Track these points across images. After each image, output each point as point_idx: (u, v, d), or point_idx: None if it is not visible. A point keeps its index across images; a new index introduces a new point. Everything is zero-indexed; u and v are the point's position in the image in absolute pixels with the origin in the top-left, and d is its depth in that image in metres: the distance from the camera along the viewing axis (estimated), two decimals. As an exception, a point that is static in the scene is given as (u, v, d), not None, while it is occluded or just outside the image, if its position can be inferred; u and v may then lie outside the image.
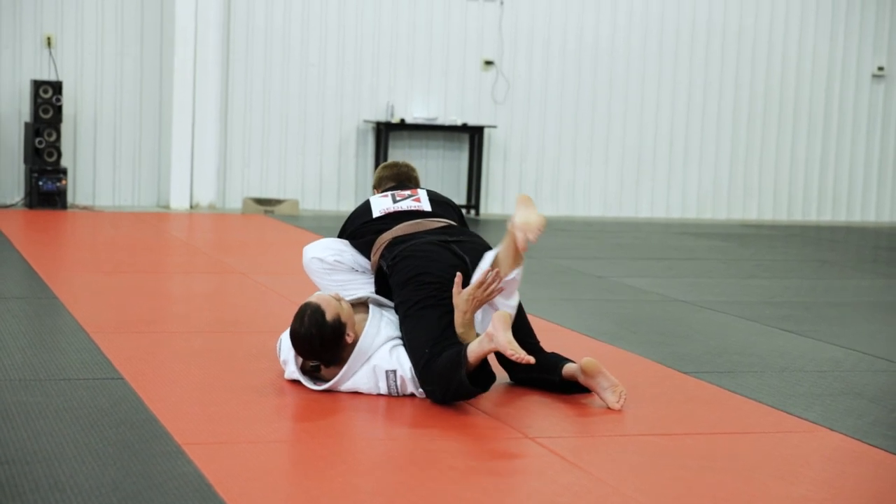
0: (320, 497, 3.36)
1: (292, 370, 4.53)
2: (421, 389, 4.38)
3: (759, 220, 13.30)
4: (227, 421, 4.06)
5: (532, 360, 4.14)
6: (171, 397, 4.31)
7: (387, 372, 4.41)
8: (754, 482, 3.66)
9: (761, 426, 4.35)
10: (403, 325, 4.45)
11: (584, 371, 4.46)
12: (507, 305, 4.50)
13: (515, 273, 4.48)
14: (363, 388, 4.44)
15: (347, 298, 4.57)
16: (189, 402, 4.26)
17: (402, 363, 4.40)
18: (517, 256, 4.46)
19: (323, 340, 4.32)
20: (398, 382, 4.40)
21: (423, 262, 4.54)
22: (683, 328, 6.27)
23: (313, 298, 4.41)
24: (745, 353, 5.65)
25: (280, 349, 4.64)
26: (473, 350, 4.20)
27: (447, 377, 4.23)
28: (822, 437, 4.24)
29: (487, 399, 4.53)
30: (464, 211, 12.24)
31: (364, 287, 4.79)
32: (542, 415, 4.35)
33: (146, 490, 3.30)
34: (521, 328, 4.66)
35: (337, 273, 4.84)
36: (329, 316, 4.32)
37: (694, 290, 7.65)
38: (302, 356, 4.44)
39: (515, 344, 4.15)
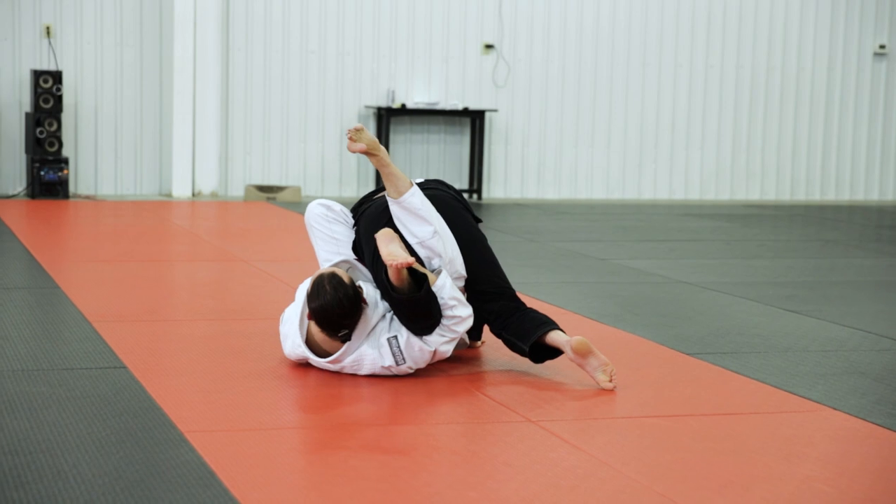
0: (322, 483, 3.36)
1: (297, 344, 4.51)
2: (421, 344, 4.42)
3: (761, 200, 13.28)
4: (229, 409, 4.06)
5: (410, 259, 4.27)
6: (173, 386, 4.31)
7: (388, 340, 4.43)
8: (758, 463, 3.66)
9: (765, 406, 4.35)
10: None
11: (574, 351, 4.47)
12: (422, 232, 4.57)
13: (406, 197, 4.56)
14: (367, 360, 4.44)
15: (335, 260, 4.69)
16: (191, 391, 4.26)
17: (399, 329, 4.44)
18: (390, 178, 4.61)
19: (352, 301, 4.31)
20: (401, 346, 4.42)
21: (374, 220, 4.66)
22: (687, 309, 6.26)
23: (322, 271, 4.41)
24: (749, 333, 5.65)
25: (283, 323, 4.62)
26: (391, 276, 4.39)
27: (394, 304, 4.41)
28: (827, 416, 4.23)
29: (489, 383, 4.53)
30: (466, 195, 12.25)
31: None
32: (544, 398, 4.35)
33: (149, 478, 3.30)
34: (485, 266, 4.70)
35: (337, 224, 4.85)
36: (346, 279, 4.34)
37: (697, 271, 7.64)
38: (331, 328, 4.36)
39: (395, 253, 4.30)
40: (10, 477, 3.27)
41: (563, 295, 6.54)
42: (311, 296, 4.34)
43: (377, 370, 4.48)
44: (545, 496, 3.29)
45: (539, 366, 4.79)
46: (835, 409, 4.31)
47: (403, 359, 4.45)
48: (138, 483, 3.26)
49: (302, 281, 4.71)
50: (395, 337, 4.44)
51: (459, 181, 12.38)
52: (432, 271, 4.56)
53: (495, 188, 12.55)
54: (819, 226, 11.15)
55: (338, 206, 4.92)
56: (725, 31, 13.03)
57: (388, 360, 4.44)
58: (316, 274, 4.41)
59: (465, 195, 12.30)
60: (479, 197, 12.26)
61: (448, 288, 4.46)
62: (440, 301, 4.44)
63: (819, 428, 4.09)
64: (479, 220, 4.89)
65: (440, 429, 3.94)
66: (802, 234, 10.49)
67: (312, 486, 3.32)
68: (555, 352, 4.61)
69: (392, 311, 4.51)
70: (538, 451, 3.69)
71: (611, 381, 4.43)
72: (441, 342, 4.49)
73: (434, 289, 4.43)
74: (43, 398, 4.09)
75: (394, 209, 4.59)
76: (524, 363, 4.83)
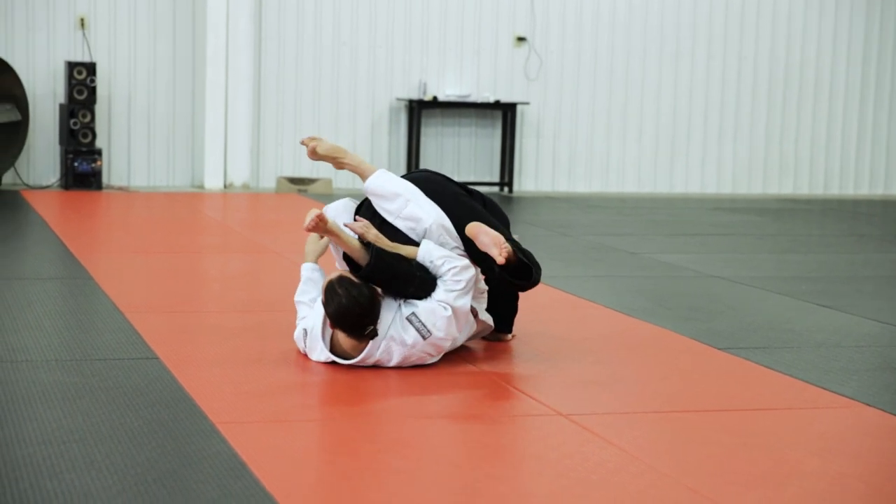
0: (352, 475, 3.36)
1: (326, 356, 4.54)
2: (435, 307, 4.47)
3: (794, 194, 13.19)
4: (260, 400, 4.08)
5: (317, 211, 4.42)
6: (205, 376, 4.33)
7: (408, 318, 4.46)
8: (790, 459, 3.63)
9: (797, 402, 4.32)
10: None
11: (469, 235, 4.53)
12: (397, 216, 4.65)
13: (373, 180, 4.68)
14: (395, 348, 4.46)
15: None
16: (223, 382, 4.28)
17: (415, 303, 4.50)
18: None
19: (368, 297, 4.36)
20: (421, 319, 4.46)
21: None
22: (718, 304, 6.23)
23: (330, 276, 4.44)
24: (781, 328, 5.62)
25: (300, 342, 4.64)
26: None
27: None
28: (860, 412, 4.20)
29: (519, 377, 4.53)
30: (496, 188, 12.25)
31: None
32: (574, 392, 4.34)
33: (181, 468, 3.32)
34: (474, 216, 4.71)
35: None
36: (355, 278, 4.40)
37: (729, 265, 7.60)
38: (356, 329, 4.40)
39: (308, 215, 4.41)
40: (43, 466, 3.29)
41: (594, 289, 6.53)
42: (327, 303, 4.38)
43: (408, 355, 4.49)
44: (575, 490, 3.29)
45: (569, 359, 4.78)
46: (868, 405, 4.28)
47: (428, 330, 4.47)
48: (170, 473, 3.28)
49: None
50: (413, 313, 4.48)
51: (490, 174, 12.36)
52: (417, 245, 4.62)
53: (526, 181, 12.52)
54: (853, 220, 11.06)
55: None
56: (759, 22, 12.94)
57: (411, 339, 4.45)
58: (328, 279, 4.44)
59: (496, 188, 12.29)
60: (510, 190, 12.24)
61: (434, 250, 4.54)
62: (430, 263, 4.52)
63: (852, 424, 4.07)
64: (470, 192, 4.89)
65: (471, 422, 3.94)
66: (836, 229, 10.42)
67: (342, 478, 3.33)
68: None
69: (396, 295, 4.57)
70: (568, 446, 3.68)
71: (500, 254, 4.39)
72: (453, 297, 4.51)
73: (419, 259, 4.53)
74: (76, 388, 4.12)
75: (369, 196, 4.71)
76: (555, 357, 4.83)
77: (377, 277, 4.46)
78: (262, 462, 3.39)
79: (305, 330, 4.62)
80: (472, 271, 4.58)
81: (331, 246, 4.76)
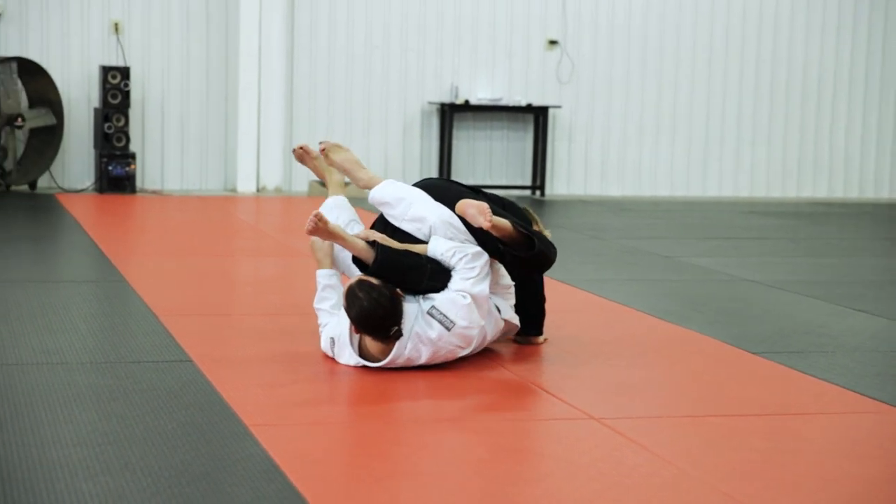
0: (384, 478, 3.37)
1: (355, 361, 4.54)
2: (454, 296, 4.49)
3: (829, 198, 13.10)
4: (293, 403, 4.09)
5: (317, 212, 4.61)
6: (238, 379, 4.34)
7: (429, 313, 4.47)
8: (825, 464, 3.61)
9: (832, 407, 4.29)
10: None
11: (458, 213, 4.60)
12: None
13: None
14: (423, 346, 4.46)
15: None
16: (256, 385, 4.29)
17: (434, 297, 4.51)
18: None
19: (389, 298, 4.38)
20: (442, 311, 4.47)
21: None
22: (752, 308, 6.20)
23: (350, 282, 4.47)
24: (816, 332, 5.58)
25: (329, 351, 4.65)
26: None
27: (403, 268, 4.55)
28: (895, 418, 4.16)
29: (550, 380, 4.52)
30: (528, 192, 12.23)
31: None
32: (606, 395, 4.32)
33: (214, 471, 3.33)
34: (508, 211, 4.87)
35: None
36: (374, 280, 4.41)
37: (762, 269, 7.56)
38: (381, 331, 4.41)
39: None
40: (79, 468, 3.31)
41: (627, 292, 6.50)
42: (349, 308, 4.40)
43: (437, 350, 4.49)
44: (607, 495, 3.28)
45: (601, 363, 4.77)
46: (904, 410, 4.24)
47: (451, 320, 4.47)
48: (204, 476, 3.29)
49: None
50: (433, 306, 4.49)
51: (522, 178, 12.35)
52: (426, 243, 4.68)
53: (558, 185, 12.50)
54: (889, 224, 10.98)
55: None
56: (793, 26, 12.86)
57: (435, 333, 4.45)
58: (348, 285, 4.45)
59: (528, 192, 12.28)
60: (542, 194, 12.22)
61: (442, 243, 4.58)
62: (441, 256, 4.55)
63: (889, 430, 4.03)
64: (479, 193, 4.94)
65: (501, 425, 3.94)
66: (871, 233, 10.34)
67: (374, 482, 3.33)
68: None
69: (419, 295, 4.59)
70: (600, 449, 3.67)
71: (486, 218, 4.44)
72: (470, 284, 4.52)
73: (429, 254, 4.56)
74: (110, 390, 4.15)
75: (375, 205, 4.83)
76: (587, 361, 4.81)
77: (387, 272, 4.48)
78: (294, 464, 3.40)
79: (332, 338, 4.62)
80: (484, 257, 4.61)
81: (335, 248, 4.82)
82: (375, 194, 4.78)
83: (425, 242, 4.65)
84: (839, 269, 7.78)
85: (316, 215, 4.51)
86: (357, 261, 4.57)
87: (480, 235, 4.65)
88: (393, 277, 4.49)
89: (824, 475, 3.51)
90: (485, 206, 4.51)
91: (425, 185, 4.88)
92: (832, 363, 4.93)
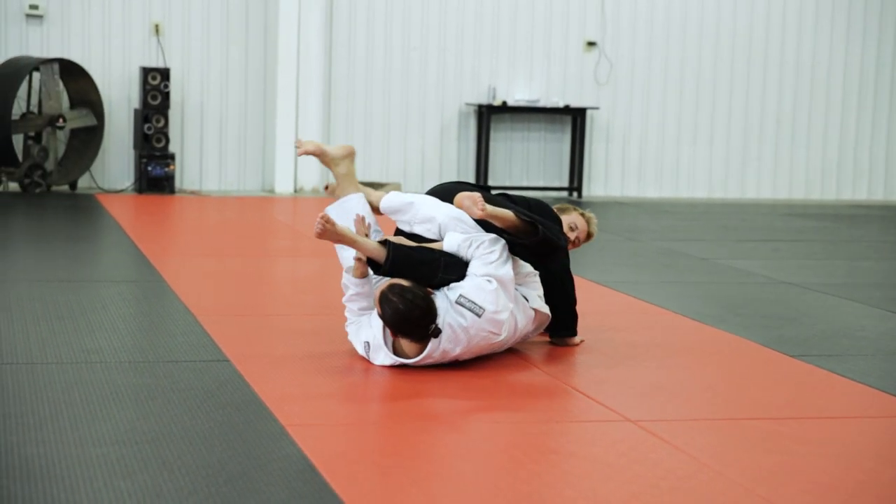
0: (419, 478, 3.37)
1: (386, 356, 4.55)
2: (480, 282, 4.51)
3: (868, 200, 12.99)
4: (330, 403, 4.10)
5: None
6: (275, 379, 4.37)
7: (457, 302, 4.49)
8: (864, 467, 3.58)
9: (871, 410, 4.26)
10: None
11: (456, 207, 4.69)
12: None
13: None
14: (459, 336, 4.46)
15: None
16: (293, 385, 4.31)
17: (460, 285, 4.54)
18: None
19: (424, 298, 4.41)
20: (472, 298, 4.48)
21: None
22: (790, 311, 6.16)
23: (380, 287, 4.48)
24: (855, 335, 5.53)
25: (363, 353, 4.66)
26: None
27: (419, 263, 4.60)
28: (935, 422, 4.13)
29: (588, 382, 4.51)
30: (566, 193, 12.22)
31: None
32: (643, 398, 4.31)
33: (251, 470, 3.35)
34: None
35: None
36: (405, 282, 4.44)
37: (801, 272, 7.51)
38: (419, 333, 4.44)
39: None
40: (117, 466, 3.34)
41: (664, 295, 6.48)
42: (384, 313, 4.41)
43: (471, 338, 4.49)
44: (644, 497, 3.27)
45: (637, 365, 4.76)
46: (944, 414, 4.20)
47: (480, 306, 4.49)
48: (240, 475, 3.31)
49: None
50: (461, 295, 4.51)
51: (560, 179, 12.33)
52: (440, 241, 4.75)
53: (596, 186, 12.47)
54: (929, 226, 10.87)
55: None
56: (834, 27, 12.77)
57: (466, 321, 4.46)
58: (378, 291, 4.47)
59: (565, 193, 12.26)
60: (580, 195, 12.19)
61: (456, 235, 4.63)
62: (458, 248, 4.60)
63: (927, 434, 4.00)
64: (487, 189, 5.05)
65: (538, 427, 3.93)
66: (911, 235, 10.24)
67: (411, 483, 3.34)
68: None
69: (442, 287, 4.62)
70: (638, 452, 3.66)
71: (480, 208, 4.51)
72: (493, 268, 4.55)
73: (446, 248, 4.62)
74: (148, 389, 4.18)
75: (386, 214, 4.92)
76: (623, 363, 4.80)
77: (400, 269, 4.51)
78: (331, 465, 3.41)
79: (367, 342, 4.63)
80: (501, 242, 4.67)
81: (336, 249, 4.83)
82: (385, 204, 4.88)
83: (440, 241, 4.71)
84: (878, 272, 7.71)
85: (323, 217, 4.52)
86: (370, 261, 4.61)
87: (490, 228, 4.71)
88: (407, 273, 4.53)
89: (863, 479, 3.48)
90: (477, 195, 4.58)
91: (433, 189, 5.01)
92: (871, 366, 4.90)
